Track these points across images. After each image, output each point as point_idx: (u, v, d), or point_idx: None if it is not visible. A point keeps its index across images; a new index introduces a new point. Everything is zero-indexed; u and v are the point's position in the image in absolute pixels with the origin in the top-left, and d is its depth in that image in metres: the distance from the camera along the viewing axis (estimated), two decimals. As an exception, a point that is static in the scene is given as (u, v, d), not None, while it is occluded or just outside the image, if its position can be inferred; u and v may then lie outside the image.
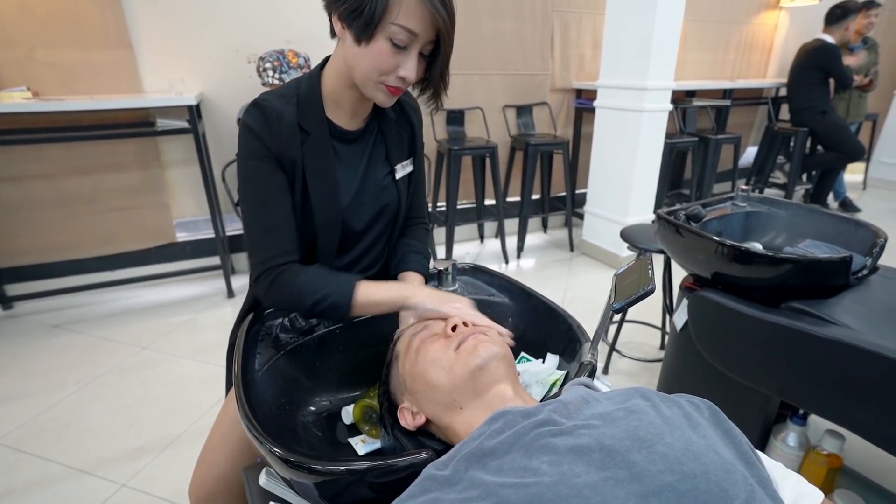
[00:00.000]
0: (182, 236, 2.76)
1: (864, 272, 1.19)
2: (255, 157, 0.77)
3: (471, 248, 3.37)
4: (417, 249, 0.95)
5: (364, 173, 0.88)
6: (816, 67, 3.52)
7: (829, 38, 3.48)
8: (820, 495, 0.51)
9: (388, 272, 0.97)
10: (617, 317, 2.06)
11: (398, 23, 0.68)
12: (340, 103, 0.83)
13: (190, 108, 2.30)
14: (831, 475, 1.23)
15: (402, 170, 0.92)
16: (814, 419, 1.31)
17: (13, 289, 2.44)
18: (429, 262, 0.96)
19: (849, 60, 3.57)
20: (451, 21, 0.72)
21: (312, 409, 0.78)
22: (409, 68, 0.73)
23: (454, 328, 0.67)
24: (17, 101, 2.08)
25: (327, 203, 0.83)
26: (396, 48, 0.71)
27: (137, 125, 2.43)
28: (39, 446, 1.58)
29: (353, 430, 0.78)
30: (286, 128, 0.78)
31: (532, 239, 3.48)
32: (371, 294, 0.77)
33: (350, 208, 0.86)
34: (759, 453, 0.52)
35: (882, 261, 1.24)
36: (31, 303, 2.47)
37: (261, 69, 2.27)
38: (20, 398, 1.81)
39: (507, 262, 3.11)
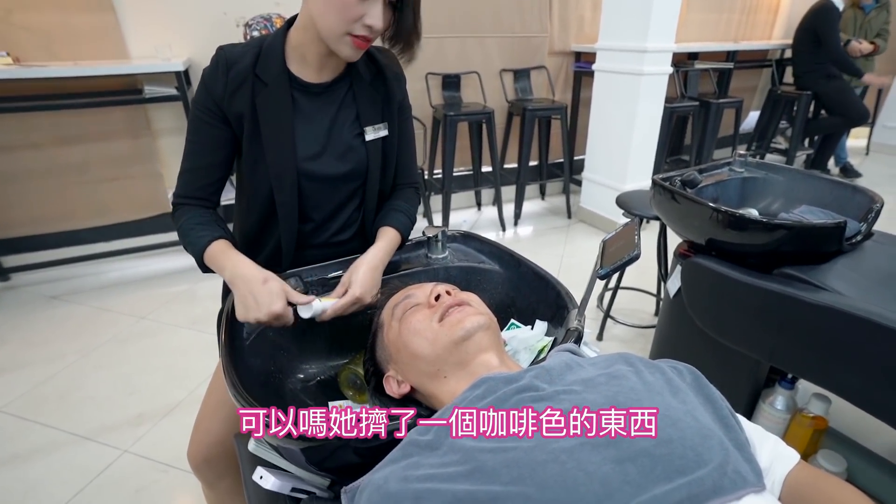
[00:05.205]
0: (176, 206, 2.74)
1: (859, 238, 1.18)
2: (200, 107, 0.82)
3: (468, 215, 3.35)
4: (399, 208, 0.94)
5: (329, 129, 0.86)
6: (815, 28, 3.41)
7: None
8: (796, 456, 0.52)
9: (365, 238, 0.95)
10: (612, 283, 2.06)
11: None
12: (306, 57, 0.83)
13: (178, 74, 2.24)
14: (816, 437, 1.26)
15: (374, 132, 0.89)
16: (802, 383, 1.33)
17: (9, 260, 2.43)
18: (410, 220, 0.94)
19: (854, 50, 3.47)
20: None
21: (301, 376, 0.79)
22: (375, 16, 0.72)
23: (437, 297, 0.66)
24: (-2, 67, 2.02)
25: (281, 154, 0.83)
26: None
27: (125, 92, 2.36)
28: (42, 414, 1.61)
29: (340, 395, 0.79)
30: (235, 77, 0.79)
31: (529, 206, 3.46)
32: (215, 260, 0.81)
33: (310, 163, 0.85)
34: (739, 417, 0.53)
35: (878, 226, 1.23)
36: (28, 274, 2.47)
37: (248, 36, 2.20)
38: (22, 368, 1.84)
39: (504, 229, 3.10)
